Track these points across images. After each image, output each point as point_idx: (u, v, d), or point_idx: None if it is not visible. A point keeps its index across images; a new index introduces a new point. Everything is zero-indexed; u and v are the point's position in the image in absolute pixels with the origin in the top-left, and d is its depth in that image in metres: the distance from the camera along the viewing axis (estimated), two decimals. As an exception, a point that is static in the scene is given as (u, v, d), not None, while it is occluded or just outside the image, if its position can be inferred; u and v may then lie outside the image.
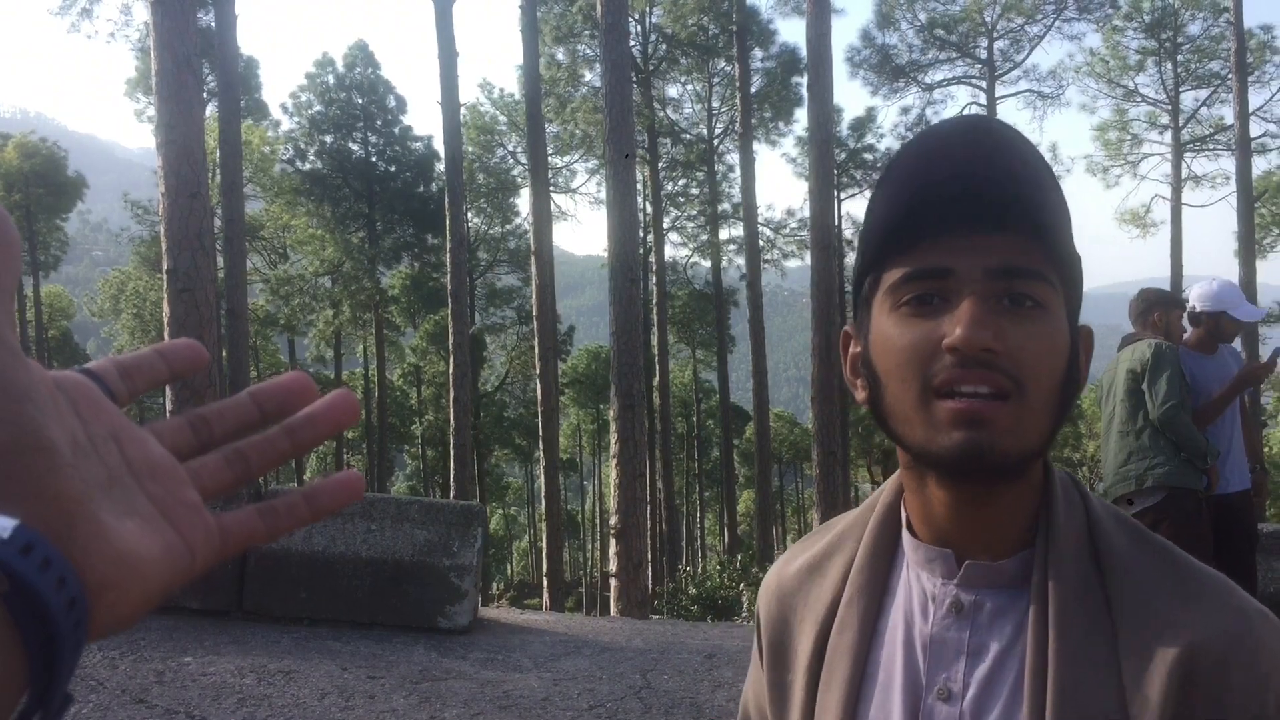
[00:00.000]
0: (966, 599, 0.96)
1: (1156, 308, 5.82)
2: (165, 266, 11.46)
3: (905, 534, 1.02)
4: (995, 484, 0.92)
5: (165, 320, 11.60)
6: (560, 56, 33.71)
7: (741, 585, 17.51)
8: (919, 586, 1.00)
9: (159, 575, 0.43)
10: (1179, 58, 32.39)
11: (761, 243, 33.55)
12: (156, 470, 0.46)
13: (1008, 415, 0.86)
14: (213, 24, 20.09)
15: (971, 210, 0.87)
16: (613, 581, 14.38)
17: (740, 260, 34.03)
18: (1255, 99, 27.97)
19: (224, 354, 19.21)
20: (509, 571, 58.45)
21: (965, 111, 34.68)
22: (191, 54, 11.53)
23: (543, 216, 23.65)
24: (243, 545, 0.48)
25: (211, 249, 12.41)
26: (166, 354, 0.50)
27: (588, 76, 33.73)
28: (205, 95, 24.56)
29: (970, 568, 0.95)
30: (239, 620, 7.07)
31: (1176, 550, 0.96)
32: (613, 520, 14.34)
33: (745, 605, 16.24)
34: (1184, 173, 32.82)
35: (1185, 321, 5.95)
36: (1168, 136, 33.42)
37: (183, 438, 0.49)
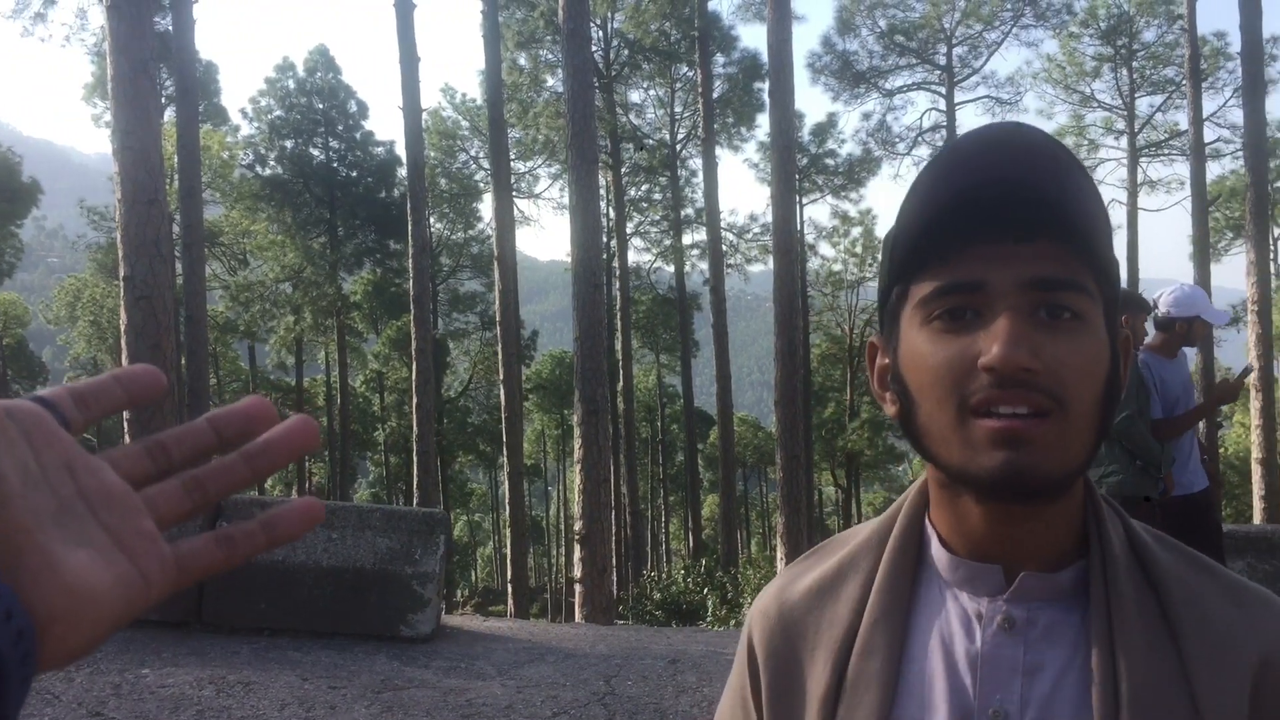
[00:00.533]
0: (1019, 614, 0.91)
1: (1125, 310, 5.74)
2: (122, 273, 11.34)
3: (938, 550, 0.97)
4: (1038, 502, 0.88)
5: (122, 328, 11.48)
6: (523, 62, 33.67)
7: (706, 590, 17.55)
8: (957, 605, 0.95)
9: (111, 606, 0.43)
10: (1134, 64, 32.86)
11: (724, 247, 33.63)
12: (111, 499, 0.45)
13: (1049, 433, 0.83)
14: (170, 28, 19.88)
15: (1003, 218, 0.84)
16: (577, 587, 14.35)
17: (703, 265, 34.10)
18: (1209, 105, 28.37)
19: (183, 361, 19.01)
20: (474, 578, 58.17)
21: (924, 118, 35.14)
22: (148, 59, 11.42)
23: (505, 222, 23.61)
24: (200, 574, 0.48)
25: (169, 255, 12.29)
26: (123, 380, 0.50)
27: (550, 82, 33.73)
28: (163, 100, 24.34)
29: (1026, 579, 0.91)
30: (198, 631, 6.99)
31: (1209, 559, 0.96)
32: (577, 526, 14.32)
33: (710, 609, 16.27)
34: (1139, 177, 33.29)
35: (1150, 325, 6.00)
36: (1124, 142, 33.90)
37: (140, 465, 0.48)
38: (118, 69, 11.19)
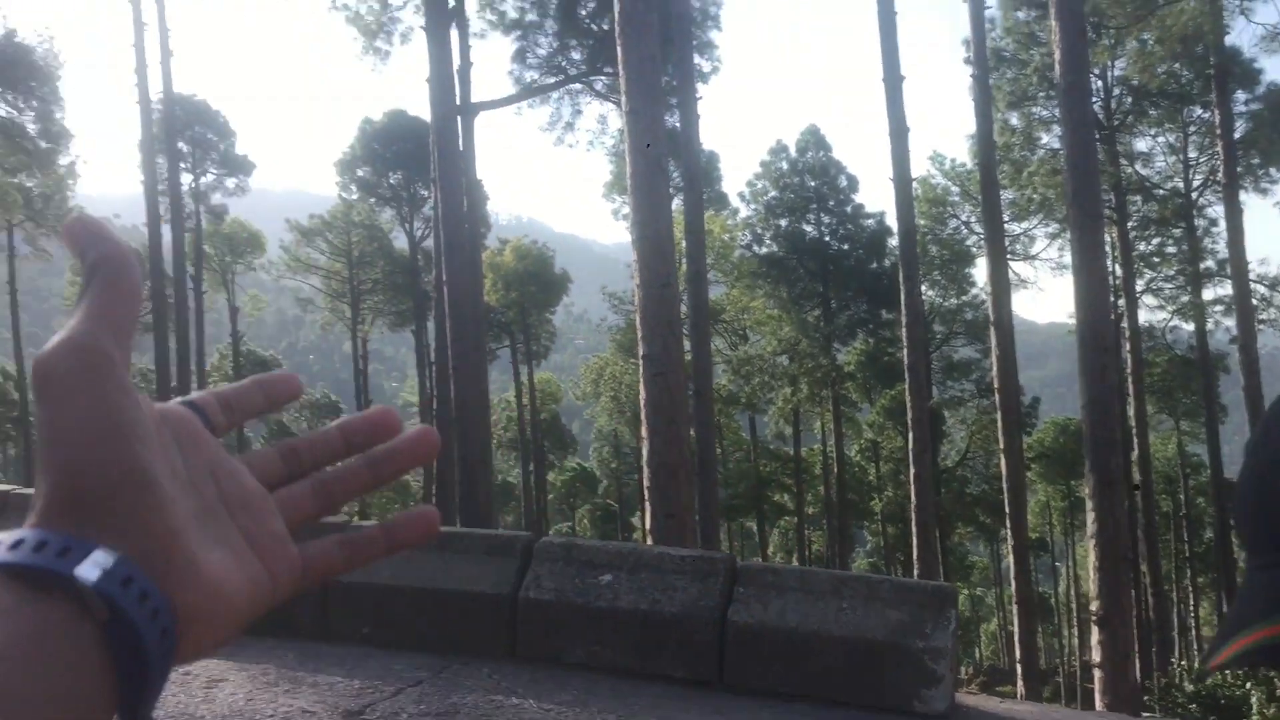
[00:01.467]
0: None
1: None
2: (641, 352, 12.32)
3: None
4: None
5: (641, 402, 12.43)
6: (1014, 121, 32.82)
7: (1249, 684, 15.62)
8: None
9: (242, 605, 0.45)
10: None
11: (1255, 301, 30.33)
12: (248, 501, 0.49)
13: None
14: (678, 124, 21.58)
15: None
16: (1096, 672, 13.38)
17: (1229, 322, 30.99)
18: None
19: (692, 433, 20.22)
20: (978, 655, 56.10)
21: None
22: (661, 155, 12.45)
23: (1000, 285, 22.98)
24: (323, 576, 0.51)
25: (680, 334, 13.21)
26: (264, 385, 0.54)
27: (1044, 139, 32.55)
28: (671, 190, 26.39)
29: None
30: (720, 691, 7.31)
31: None
32: (1093, 606, 13.39)
33: (1254, 708, 14.45)
34: None
35: None
36: None
37: (273, 468, 0.52)
38: (635, 166, 12.30)
